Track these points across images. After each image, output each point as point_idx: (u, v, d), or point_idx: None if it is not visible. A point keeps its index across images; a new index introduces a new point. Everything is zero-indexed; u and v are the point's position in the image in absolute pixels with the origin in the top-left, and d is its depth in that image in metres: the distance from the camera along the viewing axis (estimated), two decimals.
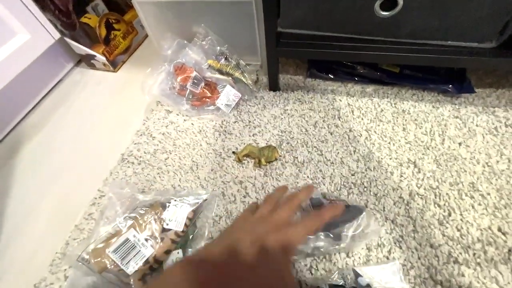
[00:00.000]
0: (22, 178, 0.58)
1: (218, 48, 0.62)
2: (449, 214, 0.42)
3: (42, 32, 0.65)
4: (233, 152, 0.54)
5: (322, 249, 0.39)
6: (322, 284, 0.36)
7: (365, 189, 0.47)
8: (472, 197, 0.44)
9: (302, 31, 0.52)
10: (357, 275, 0.37)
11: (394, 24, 0.45)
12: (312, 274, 0.39)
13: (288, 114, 0.59)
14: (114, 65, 0.77)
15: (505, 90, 0.56)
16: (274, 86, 0.63)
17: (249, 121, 0.59)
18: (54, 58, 0.74)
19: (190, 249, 0.43)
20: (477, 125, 0.52)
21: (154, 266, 0.38)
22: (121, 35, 0.78)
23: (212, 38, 0.62)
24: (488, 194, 0.44)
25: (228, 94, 0.60)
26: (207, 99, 0.60)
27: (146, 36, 0.86)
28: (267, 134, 0.56)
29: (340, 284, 0.36)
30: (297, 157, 0.52)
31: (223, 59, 0.62)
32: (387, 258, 0.40)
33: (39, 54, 0.66)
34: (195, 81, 0.59)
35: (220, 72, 0.62)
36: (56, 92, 0.75)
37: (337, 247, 0.39)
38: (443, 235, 0.41)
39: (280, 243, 0.27)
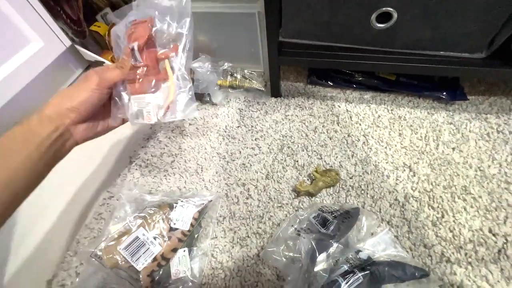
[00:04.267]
0: None
1: (220, 69, 0.67)
2: (442, 216, 0.45)
3: (55, 40, 0.68)
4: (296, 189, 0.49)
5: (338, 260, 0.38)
6: (334, 277, 0.36)
7: (362, 192, 0.49)
8: (464, 200, 0.46)
9: (303, 40, 0.54)
10: (357, 251, 0.39)
11: (389, 35, 0.48)
12: None
13: (289, 120, 0.61)
14: None
15: (497, 97, 0.58)
16: (275, 92, 0.65)
17: (252, 126, 0.61)
18: (64, 64, 0.77)
19: (195, 248, 0.45)
20: (470, 131, 0.54)
21: (161, 263, 0.41)
22: None
23: (209, 64, 0.65)
24: (480, 197, 0.46)
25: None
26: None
27: None
28: (269, 139, 0.59)
29: (346, 269, 0.37)
30: (297, 161, 0.54)
31: (229, 76, 0.66)
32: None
33: (51, 61, 0.68)
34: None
35: (232, 87, 0.66)
36: None
37: (350, 256, 0.38)
38: (437, 236, 0.43)
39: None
